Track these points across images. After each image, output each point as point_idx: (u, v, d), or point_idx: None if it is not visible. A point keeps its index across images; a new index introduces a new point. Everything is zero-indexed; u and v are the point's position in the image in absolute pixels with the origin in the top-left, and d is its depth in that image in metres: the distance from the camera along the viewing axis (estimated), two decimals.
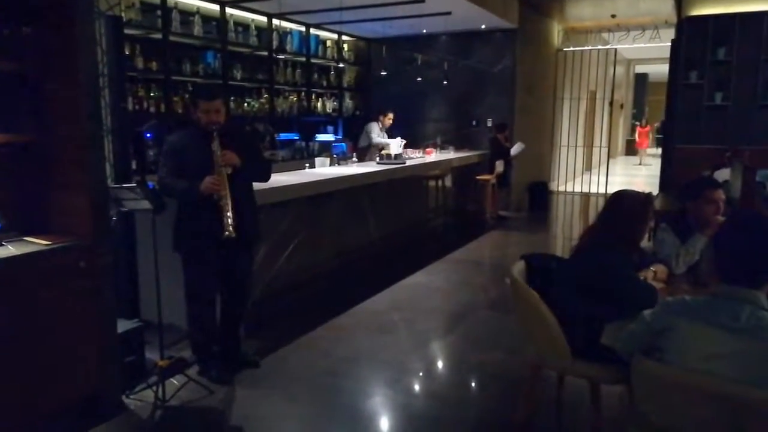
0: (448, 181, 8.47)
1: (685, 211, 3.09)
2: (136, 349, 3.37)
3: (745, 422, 1.62)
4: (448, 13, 7.34)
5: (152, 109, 5.93)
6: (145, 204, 3.05)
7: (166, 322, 3.28)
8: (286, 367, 3.62)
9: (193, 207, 3.28)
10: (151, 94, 5.94)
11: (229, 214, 3.13)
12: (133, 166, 3.98)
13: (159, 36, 5.98)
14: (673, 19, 8.18)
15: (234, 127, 3.39)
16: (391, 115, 7.92)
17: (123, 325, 3.27)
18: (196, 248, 3.33)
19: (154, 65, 5.91)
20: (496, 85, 9.05)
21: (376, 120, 7.96)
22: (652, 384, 1.83)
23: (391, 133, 7.95)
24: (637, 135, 18.61)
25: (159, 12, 5.94)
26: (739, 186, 4.58)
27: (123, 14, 5.27)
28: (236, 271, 3.46)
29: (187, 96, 6.25)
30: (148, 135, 5.58)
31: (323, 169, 6.16)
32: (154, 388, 3.16)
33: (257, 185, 3.60)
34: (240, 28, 7.12)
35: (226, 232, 3.11)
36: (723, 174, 5.87)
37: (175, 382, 3.32)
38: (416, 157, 7.55)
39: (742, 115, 7.49)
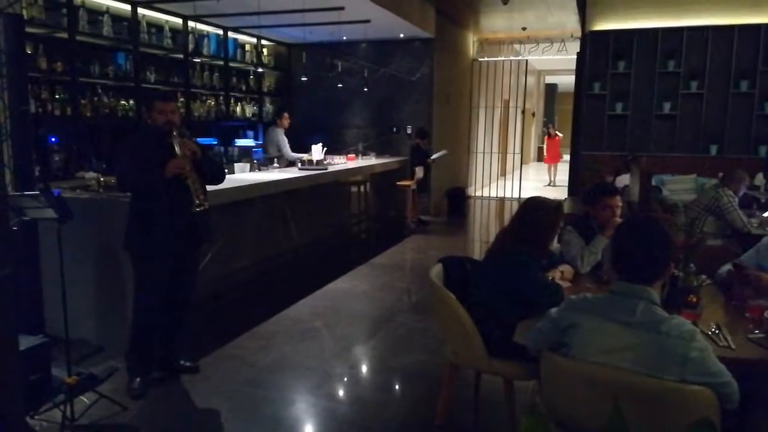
0: (369, 187, 8.56)
1: (588, 215, 3.31)
2: (41, 366, 3.18)
3: (637, 409, 1.74)
4: (368, 21, 7.43)
5: (57, 112, 5.61)
6: (50, 213, 2.89)
7: (74, 336, 3.12)
8: (206, 380, 3.54)
9: (149, 201, 3.26)
10: (57, 96, 5.62)
11: (198, 188, 3.22)
12: (37, 172, 3.76)
13: (65, 35, 5.66)
14: (578, 33, 8.69)
15: (187, 133, 3.54)
16: (286, 115, 8.02)
17: (26, 342, 3.08)
18: (152, 243, 3.28)
19: (59, 66, 5.60)
20: (415, 92, 9.25)
21: (277, 125, 7.97)
22: (557, 377, 1.95)
23: (290, 135, 8.00)
24: (545, 148, 15.39)
25: (64, 10, 5.64)
26: (638, 190, 4.93)
27: (24, 12, 4.97)
28: (184, 271, 3.45)
29: (107, 100, 6.11)
30: (53, 140, 5.29)
31: (243, 175, 6.06)
32: (62, 407, 2.99)
33: None
34: (153, 30, 6.87)
35: (197, 202, 3.18)
36: (623, 179, 6.31)
37: (84, 399, 3.16)
38: (338, 163, 7.57)
39: (640, 123, 8.06)
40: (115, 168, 3.40)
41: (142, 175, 3.22)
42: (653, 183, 5.63)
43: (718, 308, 2.60)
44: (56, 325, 3.28)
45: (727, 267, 2.85)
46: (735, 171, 4.97)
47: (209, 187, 3.57)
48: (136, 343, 3.39)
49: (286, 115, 8.02)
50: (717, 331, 2.25)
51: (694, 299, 2.44)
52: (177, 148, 3.22)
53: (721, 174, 5.28)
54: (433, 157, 8.84)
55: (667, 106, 7.91)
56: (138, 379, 3.33)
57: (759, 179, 6.68)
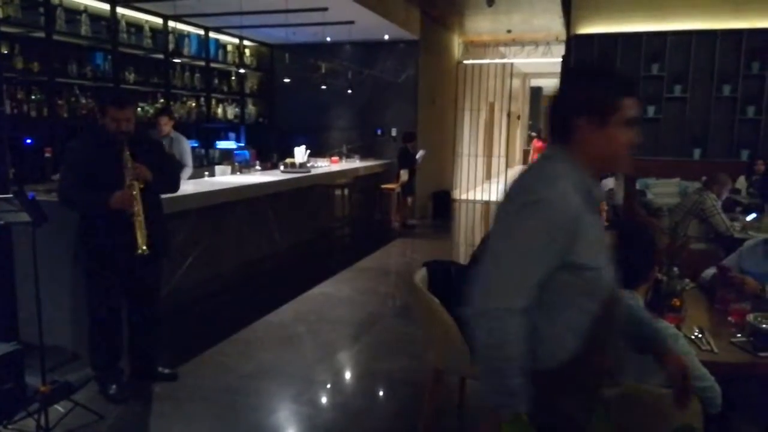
0: (354, 190, 8.51)
1: None
2: (15, 374, 3.09)
3: (621, 413, 1.73)
4: (352, 23, 7.39)
5: (33, 113, 5.50)
6: (24, 216, 2.81)
7: (48, 343, 3.03)
8: (185, 387, 3.46)
9: (100, 220, 3.13)
10: (33, 97, 5.51)
11: (143, 230, 3.04)
12: (11, 174, 3.66)
13: (42, 35, 5.56)
14: (563, 36, 8.72)
15: (142, 135, 3.31)
16: (165, 119, 5.57)
17: None
18: (102, 264, 3.18)
19: (35, 66, 5.49)
20: (400, 94, 9.22)
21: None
22: None
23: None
24: (532, 151, 14.95)
25: (41, 9, 5.53)
26: (622, 194, 4.94)
27: (0, 11, 4.87)
28: (145, 283, 3.35)
29: (85, 101, 6.04)
30: (29, 141, 5.18)
31: (224, 178, 5.99)
32: (36, 416, 2.90)
33: None
34: (133, 29, 6.77)
35: (140, 251, 3.01)
36: (607, 183, 6.33)
37: (59, 408, 3.07)
38: (322, 166, 7.52)
39: None
40: (60, 179, 3.19)
41: (86, 196, 3.08)
42: (637, 186, 5.64)
43: (702, 312, 2.60)
44: (30, 331, 3.18)
45: (712, 271, 2.85)
46: (718, 175, 5.00)
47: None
48: (96, 359, 3.33)
49: (165, 119, 5.58)
50: (700, 335, 2.24)
51: (678, 303, 2.44)
52: (126, 176, 3.02)
53: (704, 178, 5.30)
54: (417, 158, 8.82)
55: (651, 110, 7.95)
56: (114, 385, 3.26)
57: (741, 183, 6.74)
